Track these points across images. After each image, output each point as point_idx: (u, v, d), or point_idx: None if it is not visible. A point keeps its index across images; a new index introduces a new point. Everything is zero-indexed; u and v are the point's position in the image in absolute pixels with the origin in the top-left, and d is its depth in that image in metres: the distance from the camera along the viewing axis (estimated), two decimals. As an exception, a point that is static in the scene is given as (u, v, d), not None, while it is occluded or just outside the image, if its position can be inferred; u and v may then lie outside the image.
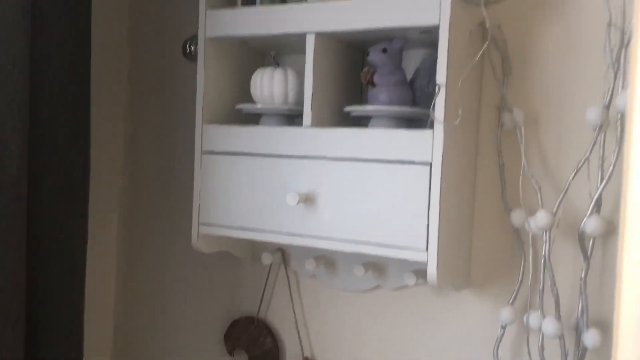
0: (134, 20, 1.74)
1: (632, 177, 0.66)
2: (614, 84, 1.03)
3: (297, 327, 1.51)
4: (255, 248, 1.54)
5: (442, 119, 1.07)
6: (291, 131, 1.25)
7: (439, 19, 1.09)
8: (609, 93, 1.04)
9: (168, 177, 1.69)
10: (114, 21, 1.72)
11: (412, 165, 1.11)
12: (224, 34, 1.32)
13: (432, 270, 1.10)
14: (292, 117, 1.37)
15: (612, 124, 1.07)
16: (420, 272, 1.29)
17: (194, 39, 1.38)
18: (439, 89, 1.08)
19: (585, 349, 1.10)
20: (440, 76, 1.08)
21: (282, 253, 1.51)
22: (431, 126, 1.10)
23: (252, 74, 1.35)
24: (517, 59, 1.24)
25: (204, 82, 1.35)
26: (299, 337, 1.51)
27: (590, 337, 1.08)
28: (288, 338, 1.52)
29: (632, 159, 0.67)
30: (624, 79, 1.02)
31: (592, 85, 1.15)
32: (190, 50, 1.40)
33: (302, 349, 1.51)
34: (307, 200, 1.22)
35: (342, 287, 1.44)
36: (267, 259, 1.48)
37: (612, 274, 1.13)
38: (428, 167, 1.10)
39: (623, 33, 1.02)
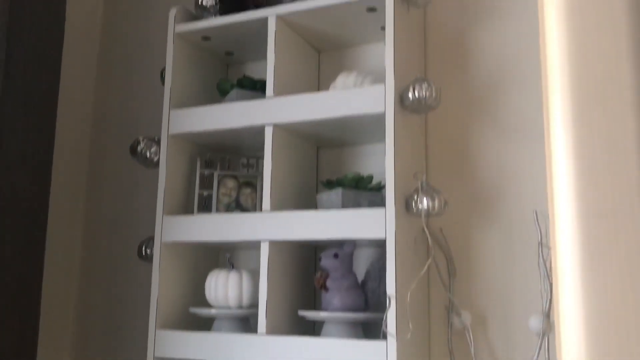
0: (90, 220, 1.77)
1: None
2: (551, 294, 1.10)
3: None
4: None
5: (395, 333, 1.10)
6: (245, 338, 1.25)
7: (386, 234, 1.16)
8: (547, 302, 1.11)
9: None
10: (69, 221, 1.74)
11: (368, 377, 1.12)
12: (179, 239, 1.36)
13: None
14: (247, 318, 1.37)
15: (555, 329, 1.13)
16: None
17: (149, 242, 1.42)
18: (389, 302, 1.12)
19: None
20: (390, 288, 1.13)
21: None
22: (384, 337, 1.12)
23: (207, 273, 1.38)
24: (460, 260, 1.31)
25: (159, 285, 1.36)
26: None
27: None
28: None
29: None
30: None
31: (534, 291, 1.22)
32: (146, 252, 1.42)
33: None
34: (262, 412, 1.19)
35: None
36: None
37: None
38: (383, 380, 1.10)
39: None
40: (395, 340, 1.10)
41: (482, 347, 1.26)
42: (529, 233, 1.23)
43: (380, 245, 1.33)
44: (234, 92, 1.44)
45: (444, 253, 1.32)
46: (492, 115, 1.35)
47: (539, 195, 1.24)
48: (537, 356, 1.13)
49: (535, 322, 1.12)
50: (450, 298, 1.27)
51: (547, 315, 1.11)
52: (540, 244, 1.11)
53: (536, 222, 1.14)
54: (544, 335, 1.12)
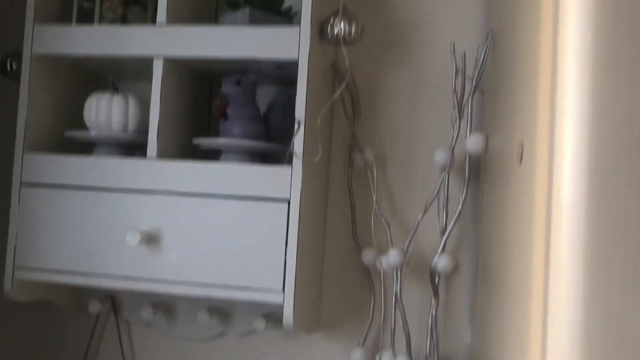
0: None
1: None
2: (459, 128, 1.10)
3: (128, 384, 1.34)
4: (81, 295, 1.34)
5: (302, 155, 1.04)
6: (132, 163, 1.13)
7: (298, 54, 1.07)
8: (456, 137, 1.10)
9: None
10: None
11: (269, 203, 1.06)
12: (54, 52, 1.17)
13: (288, 313, 1.04)
14: (131, 148, 1.24)
15: (459, 166, 1.13)
16: (270, 315, 1.23)
17: (16, 56, 1.20)
18: (298, 125, 1.05)
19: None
20: (300, 112, 1.06)
21: (113, 300, 1.34)
22: (289, 162, 1.06)
23: (85, 98, 1.21)
24: (366, 100, 1.26)
25: (27, 105, 1.17)
26: (130, 395, 1.34)
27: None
28: (117, 397, 1.35)
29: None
30: (471, 123, 1.08)
31: (439, 128, 1.21)
32: (11, 67, 1.21)
33: (133, 409, 1.34)
34: (150, 239, 1.09)
35: (182, 336, 1.32)
36: (94, 307, 1.31)
37: (456, 309, 1.19)
38: (286, 204, 1.05)
39: (471, 80, 1.09)
40: (301, 162, 1.04)
41: (381, 185, 1.25)
42: (442, 72, 1.19)
43: (284, 81, 1.25)
44: None
45: (349, 91, 1.26)
46: (413, -51, 1.27)
47: (456, 33, 1.20)
48: (438, 191, 1.13)
49: (440, 155, 1.11)
50: (354, 133, 1.23)
51: (453, 150, 1.11)
52: (454, 73, 1.08)
53: (452, 54, 1.09)
54: (447, 169, 1.11)
